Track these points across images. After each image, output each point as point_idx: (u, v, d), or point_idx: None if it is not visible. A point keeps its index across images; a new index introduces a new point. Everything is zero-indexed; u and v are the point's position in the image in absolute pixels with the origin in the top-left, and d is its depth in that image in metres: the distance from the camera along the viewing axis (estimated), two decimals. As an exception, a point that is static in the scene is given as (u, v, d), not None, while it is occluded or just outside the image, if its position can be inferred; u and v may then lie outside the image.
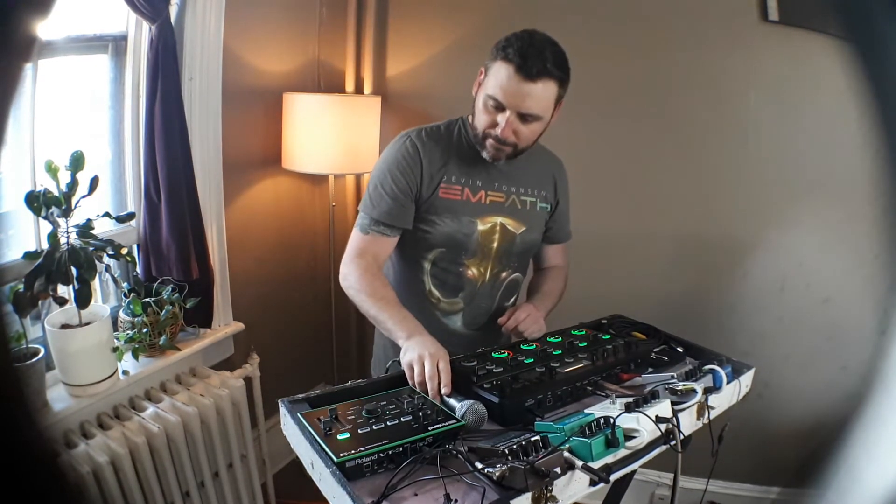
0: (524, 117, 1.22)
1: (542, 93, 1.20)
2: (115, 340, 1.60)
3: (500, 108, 1.22)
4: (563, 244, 1.59)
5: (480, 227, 1.36)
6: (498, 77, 1.20)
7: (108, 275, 1.67)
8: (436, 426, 0.93)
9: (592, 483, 0.85)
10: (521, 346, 1.24)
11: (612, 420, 0.93)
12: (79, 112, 1.71)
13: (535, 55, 1.17)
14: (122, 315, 1.69)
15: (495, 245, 1.38)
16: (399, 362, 1.15)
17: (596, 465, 0.86)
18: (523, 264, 1.49)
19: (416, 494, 0.82)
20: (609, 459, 0.91)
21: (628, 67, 1.99)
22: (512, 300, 1.50)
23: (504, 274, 1.43)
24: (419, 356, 1.09)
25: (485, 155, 1.30)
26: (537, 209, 1.44)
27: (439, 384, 1.05)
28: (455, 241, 1.35)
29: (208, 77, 1.80)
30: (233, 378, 1.80)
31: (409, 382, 1.10)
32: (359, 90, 2.37)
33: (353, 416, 0.96)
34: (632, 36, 1.97)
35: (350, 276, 1.32)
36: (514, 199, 1.39)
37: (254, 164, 2.15)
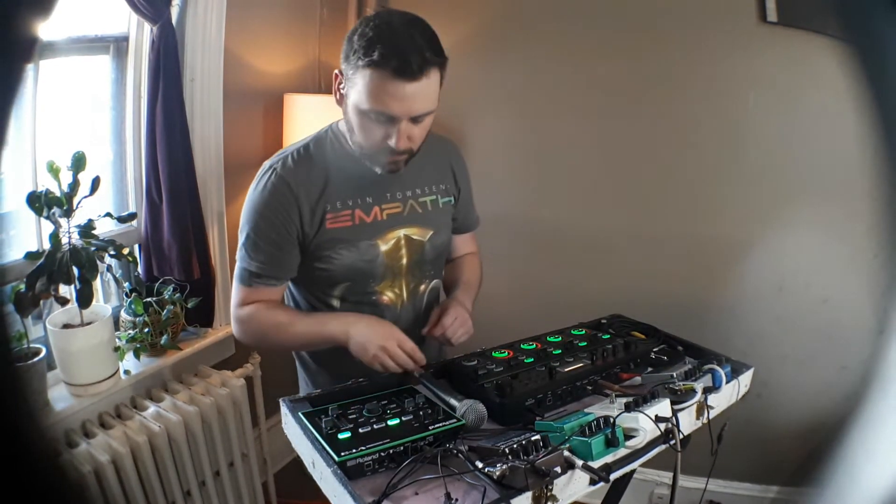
0: (416, 119, 1.06)
1: (428, 87, 1.04)
2: (117, 340, 1.60)
3: (385, 119, 1.05)
4: (472, 232, 1.47)
5: (383, 247, 1.21)
6: (372, 87, 1.01)
7: (109, 275, 1.68)
8: (436, 425, 0.94)
9: (592, 482, 0.86)
10: (522, 346, 1.24)
11: (611, 419, 0.93)
12: (80, 113, 1.71)
13: (409, 49, 0.99)
14: (123, 315, 1.69)
15: (404, 261, 1.25)
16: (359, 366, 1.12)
17: (596, 464, 0.86)
18: (439, 268, 1.36)
19: (416, 493, 0.82)
20: (609, 459, 0.91)
21: (627, 68, 1.99)
22: (435, 308, 1.33)
23: (422, 287, 1.31)
24: (379, 348, 1.08)
25: (379, 171, 1.14)
26: (440, 206, 1.30)
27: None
28: (359, 271, 1.20)
29: (209, 78, 1.80)
30: (234, 377, 1.81)
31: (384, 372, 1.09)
32: (359, 90, 2.36)
33: (354, 416, 0.97)
34: (631, 36, 1.97)
35: (245, 325, 1.20)
36: (412, 205, 1.25)
37: (255, 165, 2.12)
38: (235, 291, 1.22)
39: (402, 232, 1.24)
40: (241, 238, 1.20)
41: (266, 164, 1.20)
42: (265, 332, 1.21)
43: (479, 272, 1.45)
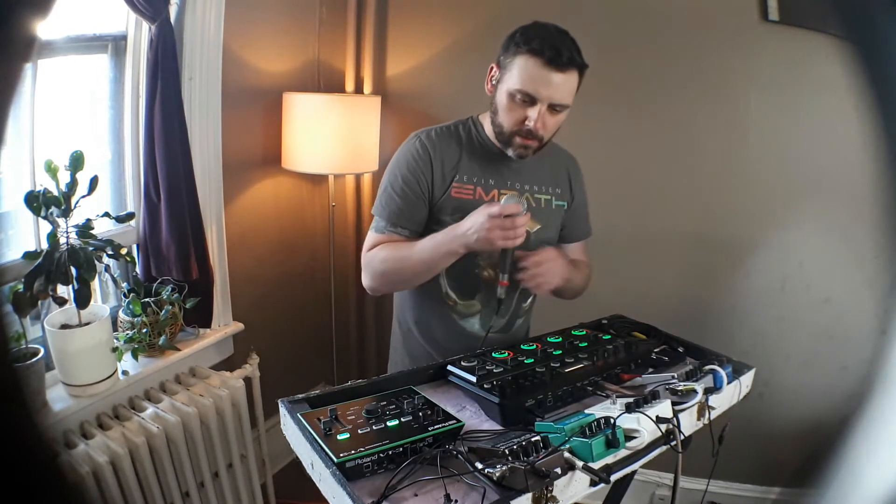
0: (553, 108, 1.22)
1: (569, 82, 1.21)
2: (115, 340, 1.60)
3: (529, 101, 1.21)
4: (583, 242, 1.55)
5: None
6: (526, 70, 1.19)
7: (107, 275, 1.67)
8: (436, 426, 0.93)
9: (593, 483, 0.85)
10: (522, 347, 1.24)
11: (612, 420, 0.92)
12: (78, 112, 1.71)
13: (561, 45, 1.18)
14: (121, 315, 1.69)
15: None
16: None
17: (596, 465, 0.86)
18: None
19: (416, 495, 0.82)
20: (609, 460, 0.91)
21: (627, 67, 1.99)
22: (528, 301, 1.47)
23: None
24: (487, 227, 1.16)
25: (511, 153, 1.29)
26: (553, 207, 1.42)
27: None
28: None
29: (208, 77, 1.80)
30: (232, 378, 1.80)
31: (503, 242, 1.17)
32: (359, 90, 2.37)
33: (353, 417, 0.96)
34: (631, 36, 1.97)
35: (370, 265, 1.32)
36: (527, 197, 1.37)
37: (254, 164, 2.15)
38: (367, 241, 1.36)
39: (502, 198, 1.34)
40: (379, 193, 1.35)
41: (413, 133, 1.37)
42: (389, 264, 1.30)
43: (585, 272, 1.48)
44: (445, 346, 1.40)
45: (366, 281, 1.35)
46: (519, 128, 1.24)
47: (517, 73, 1.20)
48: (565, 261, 1.35)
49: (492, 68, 1.28)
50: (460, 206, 1.31)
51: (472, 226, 1.19)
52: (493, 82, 1.28)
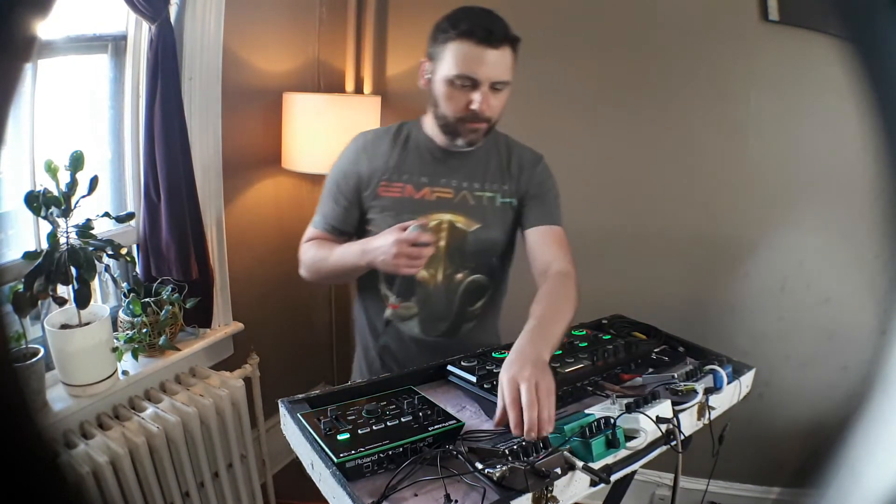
0: (494, 87, 1.20)
1: (504, 58, 1.20)
2: (115, 340, 1.60)
3: (470, 85, 1.19)
4: (553, 231, 1.33)
5: None
6: (461, 54, 1.18)
7: (107, 275, 1.67)
8: (436, 427, 0.93)
9: (593, 483, 0.85)
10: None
11: (612, 420, 0.92)
12: (78, 112, 1.71)
13: (490, 23, 1.18)
14: (121, 315, 1.69)
15: (442, 244, 1.31)
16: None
17: (596, 465, 0.86)
18: (485, 265, 1.36)
19: (416, 495, 0.82)
20: (609, 460, 0.91)
21: (628, 68, 1.99)
22: (478, 305, 1.38)
23: (459, 276, 1.34)
24: (393, 250, 1.16)
25: (461, 142, 1.27)
26: (496, 204, 1.34)
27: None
28: None
29: (208, 77, 1.80)
30: (232, 378, 1.80)
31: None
32: (359, 90, 2.37)
33: (353, 417, 0.96)
34: (631, 36, 1.97)
35: (302, 257, 1.37)
36: (465, 195, 1.32)
37: (254, 164, 2.15)
38: (306, 232, 1.40)
39: (447, 217, 1.32)
40: (323, 191, 1.39)
41: (357, 134, 1.40)
42: (313, 263, 1.35)
43: (566, 303, 1.17)
44: (391, 350, 1.39)
45: (300, 270, 1.39)
46: (464, 113, 1.22)
47: (452, 58, 1.19)
48: (531, 363, 0.96)
49: (423, 63, 1.27)
50: (387, 204, 1.31)
51: (381, 247, 1.18)
52: (427, 76, 1.26)
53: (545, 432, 0.89)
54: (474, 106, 1.20)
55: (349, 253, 1.27)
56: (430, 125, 1.33)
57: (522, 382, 0.92)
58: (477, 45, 1.16)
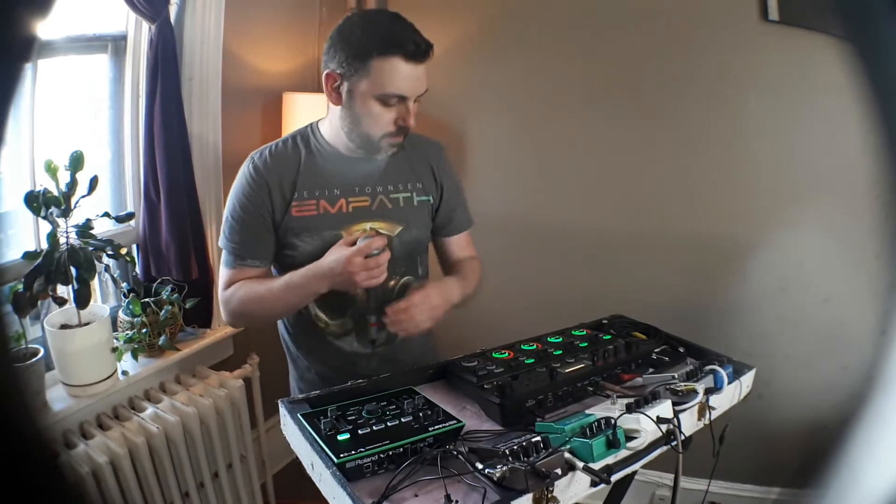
0: (418, 98, 1.19)
1: (425, 69, 1.17)
2: (115, 341, 1.60)
3: (398, 100, 1.15)
4: (467, 233, 1.44)
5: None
6: (392, 72, 1.12)
7: (107, 275, 1.67)
8: (436, 427, 0.93)
9: (593, 484, 0.85)
10: (522, 347, 1.24)
11: (612, 421, 0.92)
12: (78, 112, 1.71)
13: (413, 37, 1.13)
14: (121, 315, 1.69)
15: None
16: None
17: (597, 465, 0.86)
18: (412, 266, 1.35)
19: (416, 495, 0.82)
20: (610, 460, 0.91)
21: (628, 67, 1.99)
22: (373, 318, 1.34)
23: (391, 282, 1.30)
24: (346, 269, 1.12)
25: (382, 155, 1.24)
26: (414, 203, 1.32)
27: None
28: None
29: (208, 77, 1.80)
30: (232, 378, 1.80)
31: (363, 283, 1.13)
32: (359, 90, 2.36)
33: (353, 417, 0.96)
34: (631, 36, 1.97)
35: (230, 304, 1.24)
36: (381, 200, 1.28)
37: (253, 164, 2.14)
38: (221, 276, 1.28)
39: (367, 225, 1.27)
40: (223, 225, 1.27)
41: (249, 156, 1.28)
42: (247, 306, 1.23)
43: (476, 274, 1.41)
44: (332, 368, 1.33)
45: (225, 318, 1.28)
46: (392, 129, 1.18)
47: (380, 76, 1.12)
48: (440, 293, 1.25)
49: (331, 77, 1.17)
50: (305, 225, 1.23)
51: (334, 266, 1.14)
52: (345, 92, 1.16)
53: (402, 327, 1.19)
54: (407, 122, 1.17)
55: (297, 282, 1.18)
56: (332, 135, 1.26)
57: (423, 290, 1.22)
58: (406, 62, 1.12)
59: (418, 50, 1.12)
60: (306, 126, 1.31)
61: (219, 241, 1.28)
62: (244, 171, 1.25)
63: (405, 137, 1.22)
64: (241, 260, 1.24)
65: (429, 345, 1.45)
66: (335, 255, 1.15)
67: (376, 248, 1.13)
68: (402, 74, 1.13)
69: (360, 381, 1.11)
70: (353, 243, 1.15)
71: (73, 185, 1.37)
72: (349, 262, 1.12)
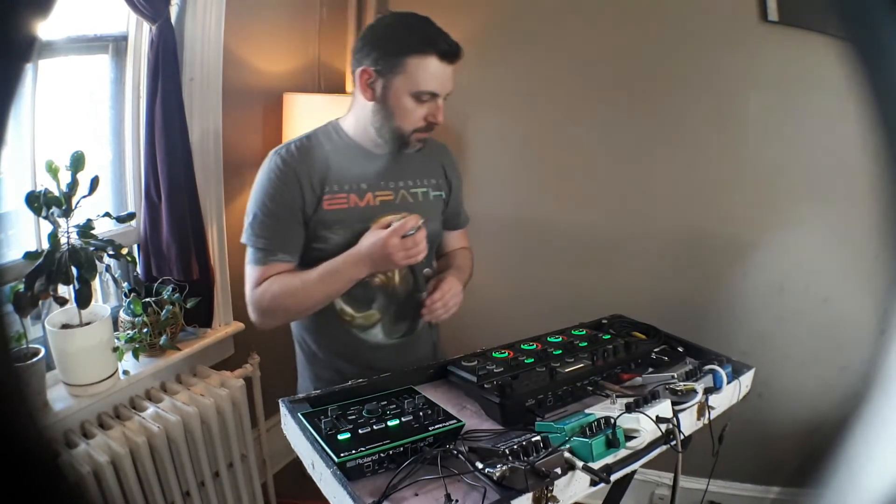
0: (447, 97, 1.26)
1: (454, 71, 1.24)
2: (116, 340, 1.60)
3: (430, 98, 1.22)
4: (464, 229, 1.56)
5: None
6: (427, 71, 1.19)
7: (108, 275, 1.67)
8: (436, 426, 0.93)
9: (593, 483, 0.85)
10: (522, 347, 1.24)
11: (612, 420, 0.93)
12: (79, 112, 1.71)
13: (448, 40, 1.20)
14: (122, 315, 1.69)
15: None
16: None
17: (596, 465, 0.86)
18: (429, 258, 1.41)
19: (416, 494, 0.82)
20: (609, 460, 0.91)
21: (628, 67, 1.99)
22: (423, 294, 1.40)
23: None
24: (386, 247, 1.17)
25: (409, 150, 1.29)
26: (430, 198, 1.39)
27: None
28: None
29: (209, 77, 1.80)
30: (233, 378, 1.81)
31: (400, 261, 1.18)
32: (359, 90, 2.36)
33: (353, 416, 0.96)
34: (631, 36, 1.97)
35: (262, 302, 1.24)
36: (403, 194, 1.34)
37: (254, 165, 2.11)
38: (249, 275, 1.27)
39: (392, 218, 1.30)
40: (248, 220, 1.27)
41: (272, 151, 1.30)
42: (281, 302, 1.23)
43: (471, 263, 1.52)
44: (355, 362, 1.35)
45: (255, 318, 1.28)
46: (422, 125, 1.25)
47: (417, 73, 1.19)
48: (459, 282, 1.36)
49: (366, 73, 1.21)
50: (337, 218, 1.26)
51: (372, 249, 1.19)
52: (380, 88, 1.21)
53: (443, 313, 1.30)
54: (436, 118, 1.24)
55: (333, 270, 1.21)
56: (356, 130, 1.30)
57: (448, 280, 1.33)
58: (440, 61, 1.19)
59: (451, 51, 1.19)
60: (326, 124, 1.35)
61: (243, 238, 1.28)
62: (271, 165, 1.26)
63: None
64: (272, 255, 1.24)
65: (436, 338, 1.51)
66: (372, 239, 1.20)
67: (411, 227, 1.19)
68: (435, 73, 1.19)
69: (360, 380, 1.12)
70: (387, 226, 1.20)
71: (74, 185, 1.37)
72: (386, 244, 1.17)
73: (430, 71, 1.19)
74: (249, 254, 1.27)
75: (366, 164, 1.30)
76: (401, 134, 1.25)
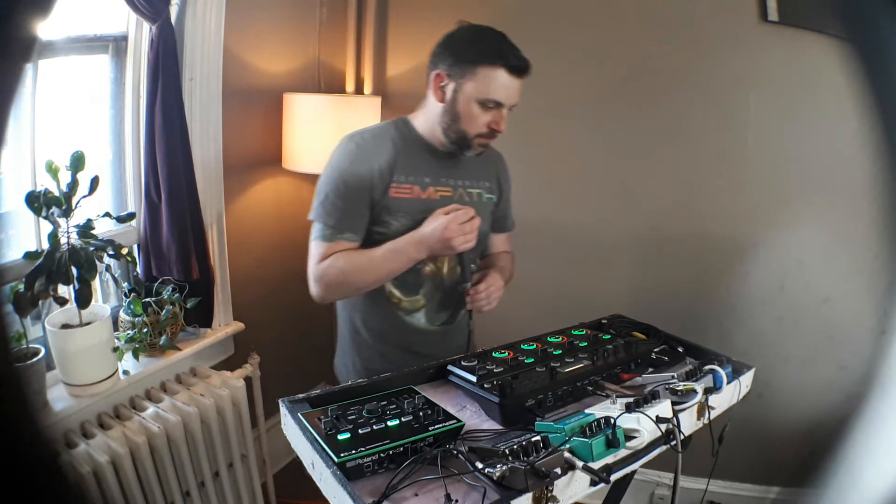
0: (511, 108, 1.32)
1: (521, 85, 1.31)
2: (116, 340, 1.60)
3: (495, 106, 1.29)
4: (508, 234, 1.64)
5: None
6: (496, 81, 1.26)
7: (108, 275, 1.67)
8: (436, 426, 0.93)
9: (593, 483, 0.85)
10: (522, 347, 1.24)
11: (612, 420, 0.92)
12: (79, 112, 1.71)
13: (517, 54, 1.27)
14: (122, 315, 1.69)
15: None
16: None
17: (596, 465, 0.86)
18: (475, 254, 1.49)
19: (416, 494, 0.82)
20: (609, 459, 0.91)
21: (627, 68, 1.99)
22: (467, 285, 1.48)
23: (459, 268, 1.44)
24: (446, 231, 1.24)
25: (470, 153, 1.36)
26: (483, 200, 1.47)
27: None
28: None
29: (209, 77, 1.80)
30: (233, 378, 1.80)
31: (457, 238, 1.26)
32: (359, 90, 2.37)
33: (353, 416, 0.96)
34: (631, 37, 1.97)
35: (326, 277, 1.31)
36: (461, 193, 1.42)
37: (254, 164, 2.15)
38: (314, 251, 1.33)
39: (454, 206, 1.36)
40: (319, 199, 1.33)
41: (345, 136, 1.38)
42: (347, 276, 1.30)
43: (512, 266, 1.60)
44: (395, 344, 1.44)
45: (317, 291, 1.34)
46: (484, 130, 1.31)
47: (487, 83, 1.26)
48: (501, 278, 1.44)
49: (440, 76, 1.31)
50: (401, 206, 1.34)
51: (434, 232, 1.26)
52: (451, 91, 1.30)
53: (485, 304, 1.38)
54: (499, 127, 1.31)
55: (397, 249, 1.29)
56: (425, 127, 1.38)
57: (492, 275, 1.42)
58: (509, 74, 1.26)
59: (520, 65, 1.26)
60: (396, 119, 1.43)
61: (310, 215, 1.34)
62: (346, 148, 1.34)
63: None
64: (339, 233, 1.31)
65: (472, 327, 1.55)
66: (434, 223, 1.28)
67: (470, 215, 1.28)
68: (503, 84, 1.26)
69: (360, 380, 1.12)
70: (448, 213, 1.28)
71: (74, 185, 1.37)
72: (447, 228, 1.25)
73: (499, 81, 1.26)
74: (317, 230, 1.33)
75: (430, 160, 1.38)
76: (464, 136, 1.32)
